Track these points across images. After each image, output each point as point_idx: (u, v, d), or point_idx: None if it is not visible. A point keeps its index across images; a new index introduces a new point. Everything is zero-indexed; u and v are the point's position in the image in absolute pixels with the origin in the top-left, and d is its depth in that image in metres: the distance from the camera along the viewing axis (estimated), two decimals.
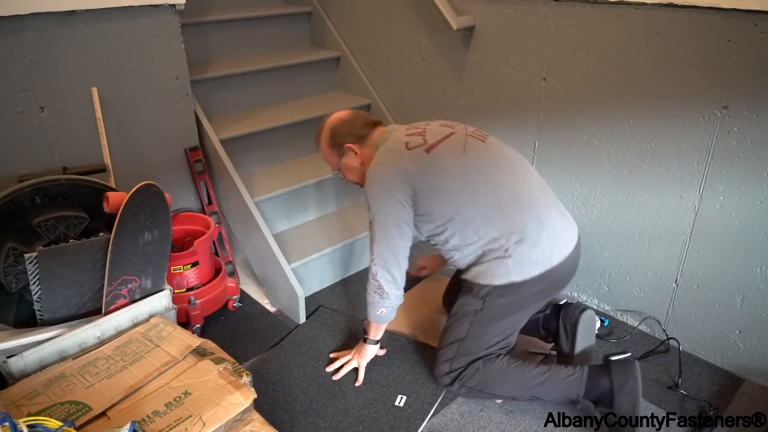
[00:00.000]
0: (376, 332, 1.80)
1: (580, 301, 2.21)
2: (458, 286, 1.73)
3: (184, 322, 1.98)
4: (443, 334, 1.72)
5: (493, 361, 1.63)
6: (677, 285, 1.91)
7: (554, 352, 1.87)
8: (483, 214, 1.56)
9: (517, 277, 1.56)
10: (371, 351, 1.83)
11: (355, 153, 1.77)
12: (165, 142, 2.18)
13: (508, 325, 1.65)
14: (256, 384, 1.43)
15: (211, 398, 1.32)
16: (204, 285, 2.06)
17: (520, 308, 1.64)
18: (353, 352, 1.86)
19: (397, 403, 1.72)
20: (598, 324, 1.84)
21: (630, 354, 1.70)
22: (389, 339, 1.99)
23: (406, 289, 2.20)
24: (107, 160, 1.95)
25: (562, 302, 1.80)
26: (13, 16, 1.70)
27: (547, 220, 1.59)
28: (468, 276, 1.64)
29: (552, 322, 1.79)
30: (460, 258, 1.64)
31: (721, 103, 1.65)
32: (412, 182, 1.58)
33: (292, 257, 2.17)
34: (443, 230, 1.61)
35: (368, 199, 1.64)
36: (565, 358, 1.77)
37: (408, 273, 1.99)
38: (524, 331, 1.76)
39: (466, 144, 1.64)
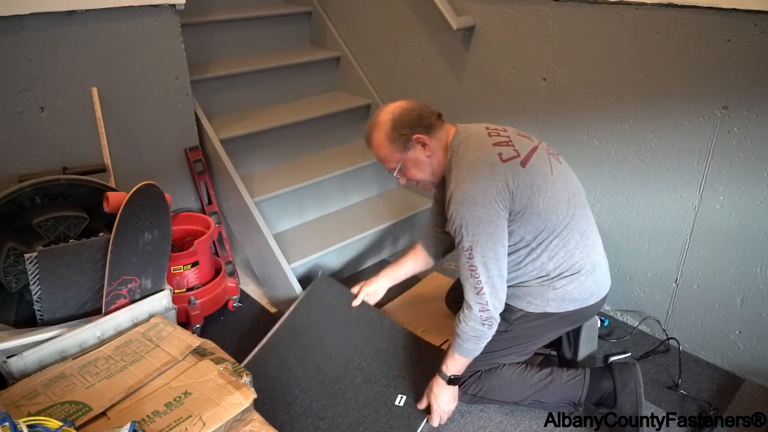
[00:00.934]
0: (464, 368, 1.59)
1: None
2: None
3: (184, 322, 1.98)
4: None
5: (496, 368, 1.63)
6: (677, 285, 1.91)
7: (554, 353, 1.88)
8: (550, 248, 1.51)
9: (551, 309, 1.56)
10: (454, 392, 1.62)
11: (424, 146, 1.55)
12: (165, 142, 2.18)
13: (524, 349, 1.65)
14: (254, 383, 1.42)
15: (211, 398, 1.32)
16: (204, 285, 2.06)
17: (541, 334, 1.63)
18: (427, 394, 1.63)
19: (397, 403, 1.72)
20: (598, 325, 1.84)
21: (630, 354, 1.71)
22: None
23: (405, 288, 2.22)
24: (107, 160, 1.95)
25: None
26: (13, 16, 1.70)
27: (598, 264, 1.59)
28: None
29: None
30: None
31: (721, 103, 1.64)
32: (513, 199, 1.45)
33: (292, 257, 2.17)
34: (508, 251, 1.51)
35: (466, 220, 1.43)
36: (568, 364, 1.77)
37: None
38: None
39: (551, 164, 1.54)
